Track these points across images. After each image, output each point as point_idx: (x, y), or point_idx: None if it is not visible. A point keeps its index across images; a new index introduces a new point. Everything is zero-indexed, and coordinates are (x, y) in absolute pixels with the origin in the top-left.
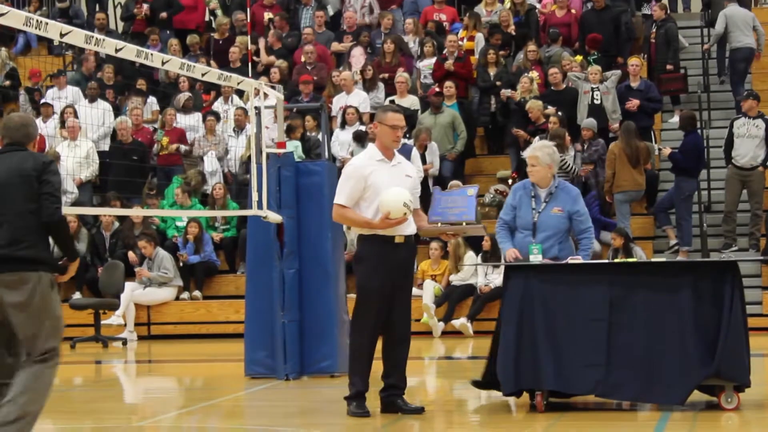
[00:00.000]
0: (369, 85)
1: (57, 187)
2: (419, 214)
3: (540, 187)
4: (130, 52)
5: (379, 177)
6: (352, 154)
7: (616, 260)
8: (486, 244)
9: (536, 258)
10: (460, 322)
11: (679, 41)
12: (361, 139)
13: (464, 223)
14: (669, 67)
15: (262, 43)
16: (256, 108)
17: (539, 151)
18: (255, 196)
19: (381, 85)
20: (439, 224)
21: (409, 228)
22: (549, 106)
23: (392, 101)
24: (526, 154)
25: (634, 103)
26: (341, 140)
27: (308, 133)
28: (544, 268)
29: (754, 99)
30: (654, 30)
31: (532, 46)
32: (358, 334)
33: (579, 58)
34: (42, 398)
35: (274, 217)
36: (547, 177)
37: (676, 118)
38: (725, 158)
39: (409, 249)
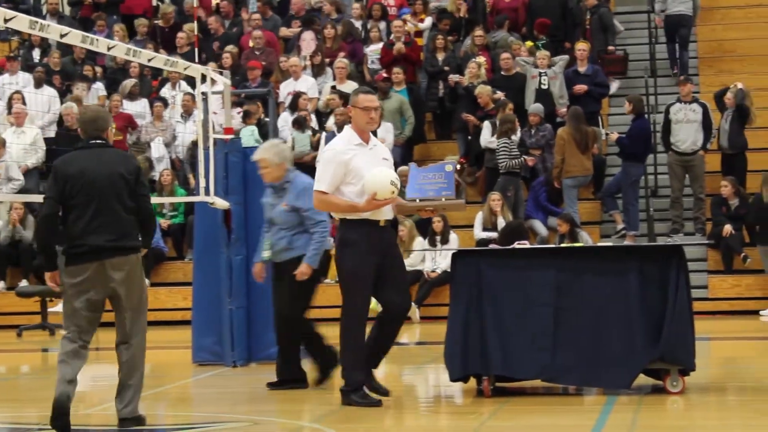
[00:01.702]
0: (317, 71)
1: (148, 188)
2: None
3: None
4: (75, 37)
5: (359, 161)
6: (292, 144)
7: (563, 245)
8: (437, 226)
9: (265, 253)
10: None
11: (615, 25)
12: (300, 124)
13: (443, 199)
14: (610, 48)
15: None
16: (203, 94)
17: (267, 153)
18: (202, 183)
19: (329, 70)
20: (418, 200)
21: (390, 212)
22: (497, 91)
23: (333, 87)
24: (255, 157)
25: (581, 88)
26: (289, 125)
27: (263, 119)
28: (492, 253)
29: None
30: (588, 16)
31: (479, 32)
32: (354, 321)
33: (529, 43)
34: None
35: (222, 204)
36: (280, 176)
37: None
38: (663, 144)
39: (391, 232)
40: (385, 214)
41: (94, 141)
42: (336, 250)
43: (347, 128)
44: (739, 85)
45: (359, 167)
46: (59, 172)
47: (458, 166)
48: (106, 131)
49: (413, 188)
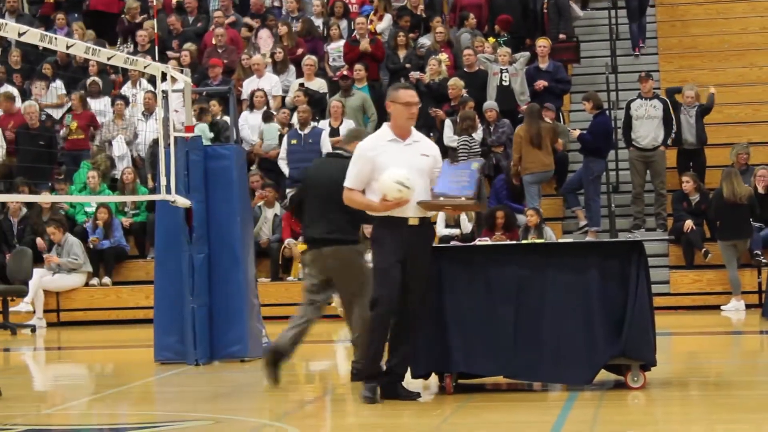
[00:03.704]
0: (280, 68)
1: None
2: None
3: None
4: (33, 36)
5: (386, 158)
6: (261, 136)
7: (524, 242)
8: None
9: None
10: None
11: (572, 10)
12: (270, 119)
13: (463, 198)
14: (561, 36)
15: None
16: (163, 92)
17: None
18: (163, 181)
19: (292, 67)
20: (441, 199)
21: (419, 210)
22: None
23: (301, 84)
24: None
25: (541, 84)
26: (251, 124)
27: (217, 117)
28: (456, 249)
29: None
30: (545, 1)
31: (440, 28)
32: (378, 316)
33: (492, 40)
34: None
35: (183, 202)
36: None
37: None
38: (624, 140)
39: (424, 231)
40: (413, 212)
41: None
42: (371, 246)
43: (385, 125)
44: (712, 89)
45: (384, 164)
46: None
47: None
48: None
49: (440, 185)
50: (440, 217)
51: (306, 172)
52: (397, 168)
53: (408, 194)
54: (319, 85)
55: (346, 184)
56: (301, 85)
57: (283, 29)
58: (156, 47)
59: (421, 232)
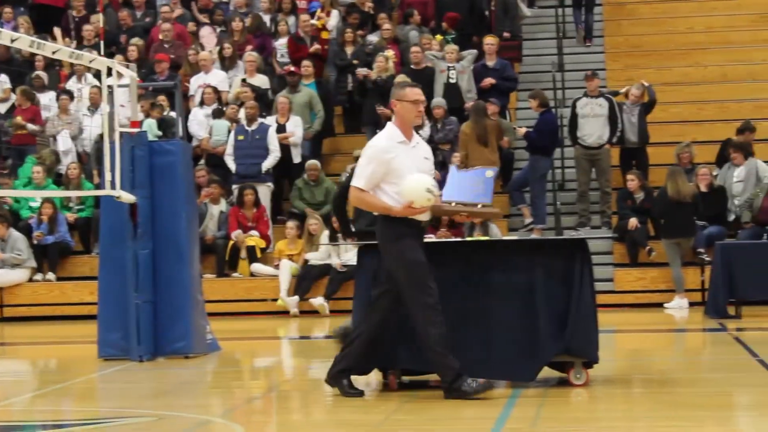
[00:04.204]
0: (228, 64)
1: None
2: None
3: None
4: None
5: (401, 161)
6: (210, 132)
7: (468, 239)
8: (336, 225)
9: None
10: (317, 301)
11: (519, 9)
12: (220, 115)
13: (480, 206)
14: (506, 35)
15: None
16: (109, 87)
17: None
18: (108, 176)
19: (240, 63)
20: (453, 204)
21: (428, 213)
22: None
23: (243, 80)
24: None
25: (488, 82)
26: (199, 119)
27: (165, 113)
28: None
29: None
30: None
31: (387, 25)
32: (434, 311)
33: (439, 37)
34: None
35: (128, 197)
36: None
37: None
38: (570, 138)
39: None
40: (426, 215)
41: None
42: (386, 246)
43: (390, 124)
44: (645, 83)
45: (401, 167)
46: None
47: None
48: None
49: (451, 190)
50: None
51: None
52: (420, 174)
53: (432, 203)
54: (261, 81)
55: (358, 184)
56: (244, 81)
57: (238, 25)
58: (102, 42)
59: (424, 233)
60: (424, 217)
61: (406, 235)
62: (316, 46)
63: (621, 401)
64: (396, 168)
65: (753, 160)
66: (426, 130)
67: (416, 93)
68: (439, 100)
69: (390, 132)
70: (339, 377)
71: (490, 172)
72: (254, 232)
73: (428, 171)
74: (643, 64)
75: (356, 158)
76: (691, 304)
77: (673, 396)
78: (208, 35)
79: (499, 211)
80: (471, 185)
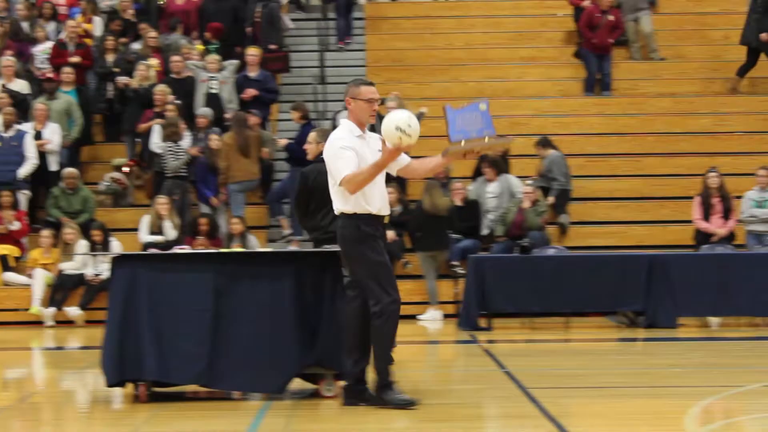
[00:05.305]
0: None
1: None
2: (422, 161)
3: None
4: None
5: (362, 153)
6: None
7: (222, 250)
8: (97, 237)
9: None
10: (72, 311)
11: (282, 21)
12: None
13: (486, 139)
14: (272, 46)
15: None
16: None
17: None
18: None
19: None
20: (463, 143)
21: (388, 208)
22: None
23: (3, 85)
24: None
25: (250, 93)
26: None
27: None
28: (152, 257)
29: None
30: (259, 9)
31: (151, 33)
32: (394, 314)
33: (200, 47)
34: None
35: None
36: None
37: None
38: None
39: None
40: (387, 210)
41: None
42: (349, 246)
43: (345, 121)
44: (423, 109)
45: (365, 157)
46: None
47: (126, 169)
48: None
49: (455, 131)
50: (143, 224)
51: (308, 176)
52: (396, 112)
53: (408, 142)
54: (21, 86)
55: (345, 173)
56: (3, 86)
57: None
58: None
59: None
60: (385, 210)
61: (374, 235)
62: (77, 58)
63: (372, 413)
64: (362, 157)
65: (506, 176)
66: (187, 140)
67: (371, 91)
68: (205, 110)
69: (348, 127)
70: (385, 390)
71: (483, 105)
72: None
73: None
74: (405, 78)
75: (115, 167)
76: (445, 316)
77: (424, 408)
78: None
79: (510, 138)
80: (471, 122)
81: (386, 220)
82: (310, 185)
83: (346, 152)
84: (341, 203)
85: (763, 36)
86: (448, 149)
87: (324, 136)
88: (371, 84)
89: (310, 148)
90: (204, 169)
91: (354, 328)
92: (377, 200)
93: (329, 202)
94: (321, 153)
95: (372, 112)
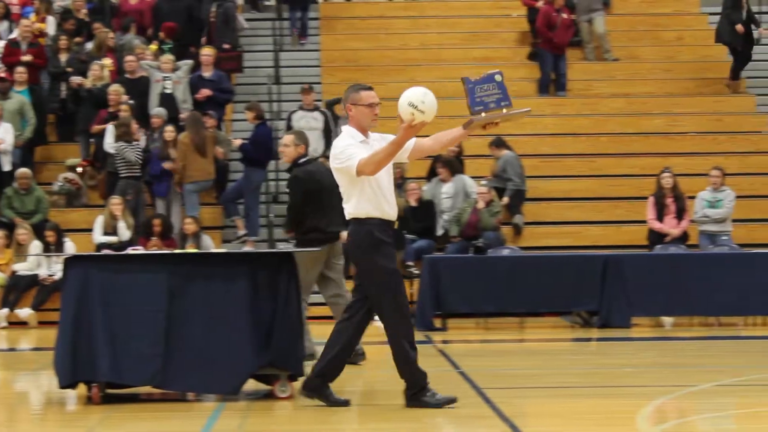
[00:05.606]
0: None
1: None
2: (436, 136)
3: None
4: None
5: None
6: None
7: (177, 251)
8: (51, 238)
9: None
10: (24, 312)
11: (237, 21)
12: None
13: (504, 110)
14: (226, 46)
15: None
16: None
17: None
18: None
19: None
20: (483, 114)
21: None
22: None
23: None
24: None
25: (204, 93)
26: None
27: None
28: (105, 258)
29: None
30: (214, 9)
31: (110, 34)
32: (406, 320)
33: (154, 47)
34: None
35: None
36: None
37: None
38: None
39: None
40: (394, 213)
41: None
42: (361, 254)
43: (347, 128)
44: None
45: None
46: None
47: (79, 169)
48: None
49: (475, 102)
50: (97, 225)
51: (312, 176)
52: (412, 89)
53: (421, 119)
54: None
55: (359, 158)
56: None
57: None
58: None
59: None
60: (395, 214)
61: (381, 242)
62: (30, 57)
63: (325, 413)
64: None
65: (460, 176)
66: (142, 141)
67: (371, 96)
68: (159, 110)
69: (350, 132)
70: (321, 387)
71: (498, 76)
72: None
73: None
74: (359, 79)
75: (69, 167)
76: None
77: (378, 409)
78: None
79: (528, 109)
80: (488, 93)
81: (396, 225)
82: (308, 188)
83: (352, 147)
84: (353, 206)
85: (739, 27)
86: (470, 120)
87: (302, 138)
88: (370, 88)
89: (287, 151)
90: (158, 163)
91: (340, 344)
92: (390, 203)
93: (326, 203)
94: (299, 156)
95: (374, 116)
